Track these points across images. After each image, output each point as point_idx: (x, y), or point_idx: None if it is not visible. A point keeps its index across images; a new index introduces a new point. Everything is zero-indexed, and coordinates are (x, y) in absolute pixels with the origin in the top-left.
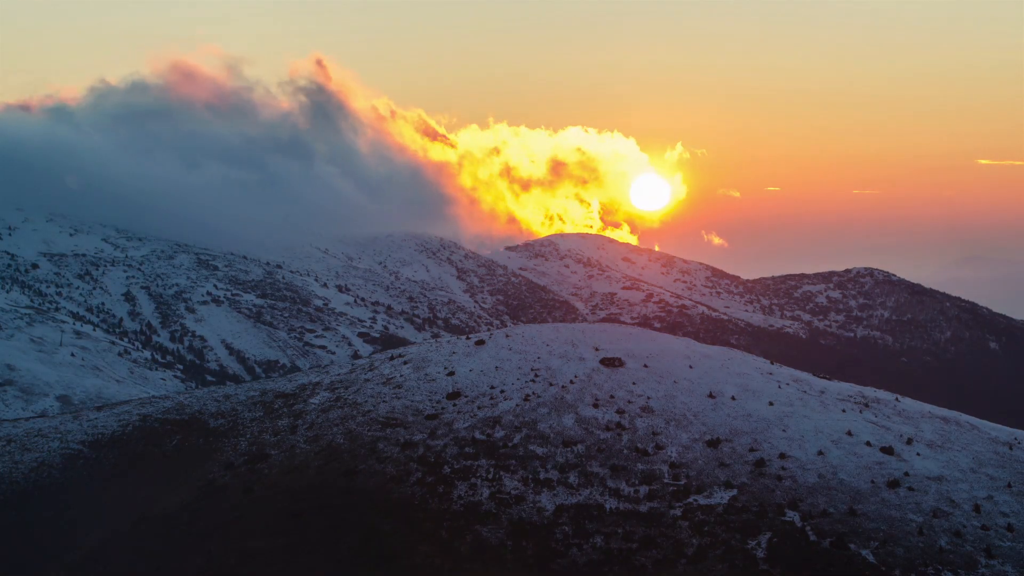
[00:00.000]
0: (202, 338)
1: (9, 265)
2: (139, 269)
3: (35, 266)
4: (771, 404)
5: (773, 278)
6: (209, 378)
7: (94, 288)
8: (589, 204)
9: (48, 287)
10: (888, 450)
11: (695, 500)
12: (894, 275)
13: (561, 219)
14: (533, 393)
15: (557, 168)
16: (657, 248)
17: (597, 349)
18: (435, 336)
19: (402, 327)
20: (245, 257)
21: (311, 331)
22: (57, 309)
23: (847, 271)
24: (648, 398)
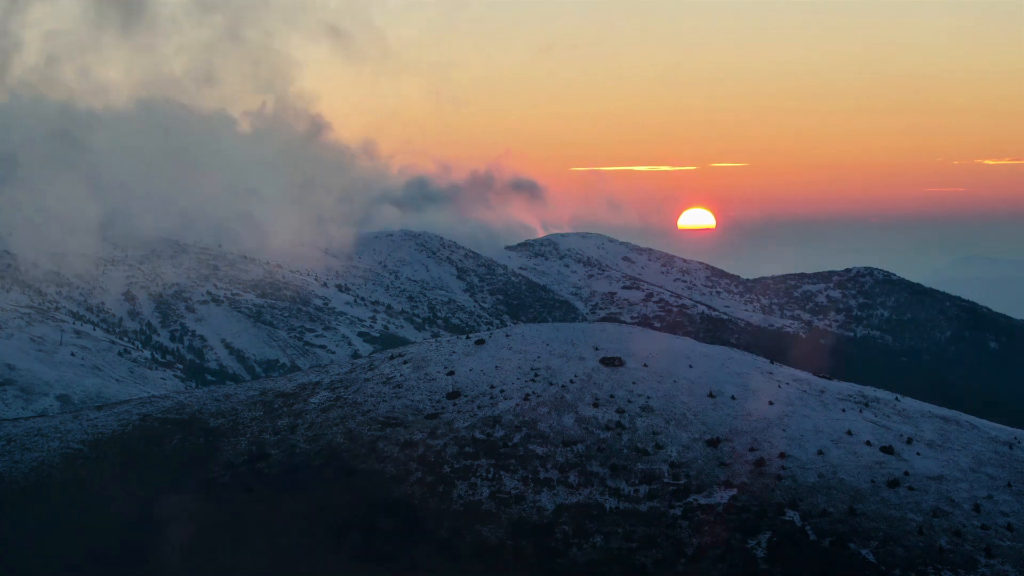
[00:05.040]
0: (202, 338)
1: (9, 265)
2: (139, 268)
3: (35, 266)
4: (771, 403)
5: (773, 278)
6: (209, 378)
7: (94, 288)
8: None
9: (48, 287)
10: (888, 449)
11: (695, 500)
12: (894, 275)
13: None
14: (533, 392)
15: None
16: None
17: (597, 349)
18: (435, 336)
19: (402, 327)
20: (245, 257)
21: (311, 330)
22: (57, 309)
23: (847, 271)
24: (648, 398)
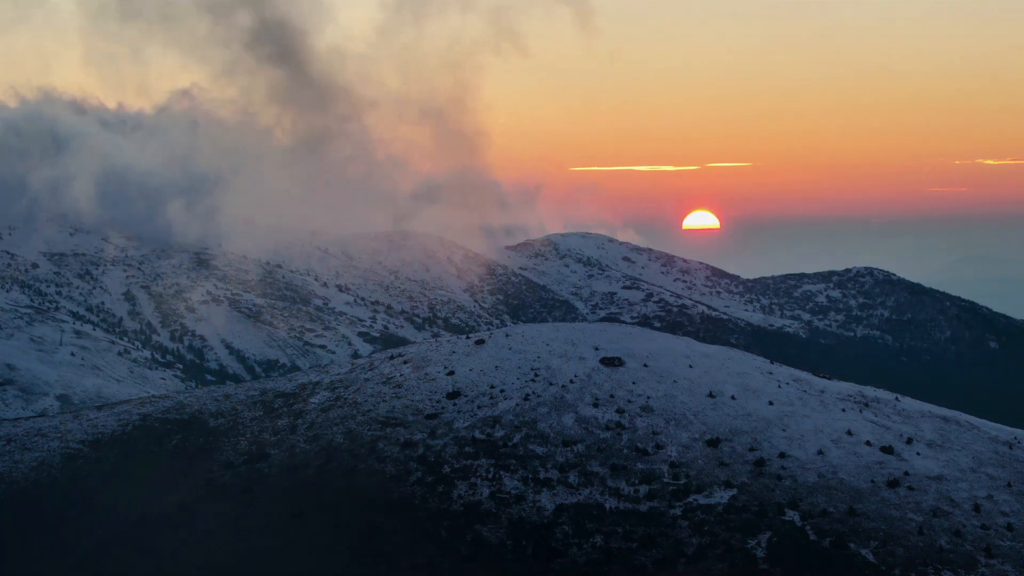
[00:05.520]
0: (202, 337)
1: (9, 265)
2: (139, 268)
3: (35, 266)
4: (771, 403)
5: (773, 278)
6: (209, 378)
7: (94, 288)
8: None
9: (48, 287)
10: (888, 449)
11: (695, 500)
12: (894, 275)
13: None
14: (533, 392)
15: None
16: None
17: (597, 348)
18: (435, 335)
19: (402, 326)
20: (245, 257)
21: (311, 330)
22: (57, 309)
23: (847, 271)
24: (648, 397)
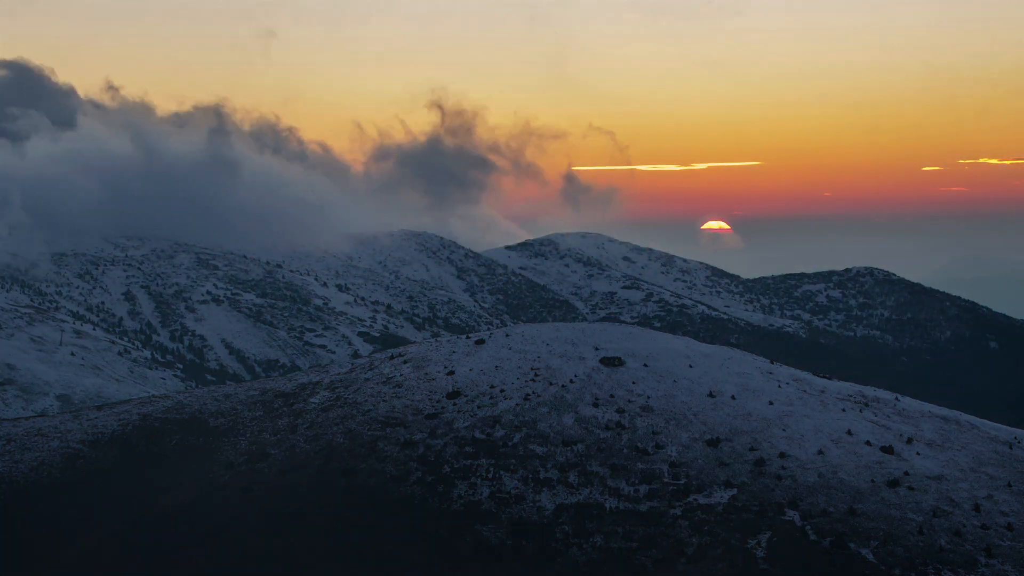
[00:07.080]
0: (202, 337)
1: (9, 265)
2: (139, 268)
3: (35, 266)
4: (771, 403)
5: (773, 277)
6: (209, 377)
7: (94, 287)
8: None
9: (48, 286)
10: (888, 449)
11: (695, 499)
12: (894, 275)
13: None
14: (533, 392)
15: None
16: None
17: (597, 348)
18: (435, 335)
19: (402, 326)
20: (245, 257)
21: (311, 330)
22: (57, 308)
23: (847, 270)
24: (648, 397)
